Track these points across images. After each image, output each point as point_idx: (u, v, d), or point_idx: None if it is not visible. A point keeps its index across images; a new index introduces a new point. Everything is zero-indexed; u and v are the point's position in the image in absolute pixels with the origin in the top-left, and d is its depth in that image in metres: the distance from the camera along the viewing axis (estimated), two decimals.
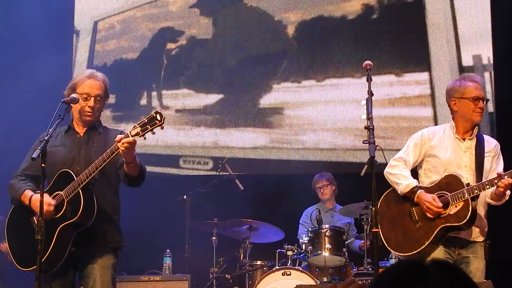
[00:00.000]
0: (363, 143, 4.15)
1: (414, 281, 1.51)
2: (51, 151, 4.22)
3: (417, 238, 4.38)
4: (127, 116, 7.95)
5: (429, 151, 4.54)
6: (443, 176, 4.42)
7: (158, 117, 4.01)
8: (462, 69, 7.22)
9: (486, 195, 4.39)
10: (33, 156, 3.93)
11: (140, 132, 4.00)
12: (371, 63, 4.37)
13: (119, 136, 4.03)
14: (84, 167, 4.17)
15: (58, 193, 4.15)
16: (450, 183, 4.36)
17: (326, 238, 6.02)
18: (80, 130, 4.38)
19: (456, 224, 4.28)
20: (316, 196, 7.11)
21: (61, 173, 4.19)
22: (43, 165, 3.95)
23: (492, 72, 7.19)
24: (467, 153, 4.47)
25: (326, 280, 6.02)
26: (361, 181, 5.54)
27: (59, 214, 4.12)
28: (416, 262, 1.54)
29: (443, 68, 7.26)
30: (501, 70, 7.20)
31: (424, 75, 7.35)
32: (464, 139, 4.49)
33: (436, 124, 6.95)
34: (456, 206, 4.29)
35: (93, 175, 4.07)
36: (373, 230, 4.02)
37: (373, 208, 4.00)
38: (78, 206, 4.06)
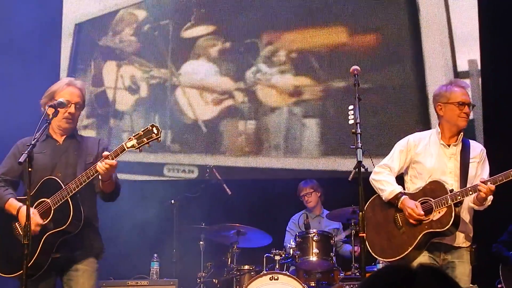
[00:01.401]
0: (350, 148, 4.17)
1: (401, 285, 1.52)
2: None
3: (401, 243, 4.40)
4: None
5: (415, 158, 4.56)
6: (427, 182, 4.44)
7: (155, 131, 4.01)
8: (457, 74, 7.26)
9: (470, 200, 4.41)
10: (19, 160, 3.91)
11: (136, 145, 4.00)
12: (359, 68, 4.39)
13: (106, 153, 4.03)
14: (65, 174, 4.19)
15: (44, 201, 4.13)
16: (434, 189, 4.38)
17: (314, 243, 6.02)
18: (59, 138, 4.37)
19: (439, 230, 4.30)
20: (301, 201, 7.11)
21: (46, 180, 4.17)
22: (30, 169, 3.93)
23: (480, 77, 7.24)
24: (452, 159, 4.49)
25: (313, 284, 6.03)
26: (348, 186, 5.55)
27: (46, 221, 4.10)
28: (403, 266, 1.55)
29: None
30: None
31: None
32: (449, 145, 4.50)
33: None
34: (439, 212, 4.31)
35: (83, 184, 4.06)
36: (360, 234, 4.04)
37: (361, 213, 4.01)
38: (67, 215, 4.05)
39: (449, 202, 4.27)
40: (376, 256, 4.61)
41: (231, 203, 6.93)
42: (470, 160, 4.47)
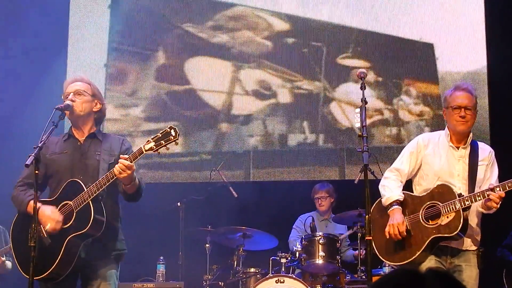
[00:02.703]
0: (357, 151, 4.17)
1: None
2: (52, 159, 4.24)
3: (408, 247, 4.37)
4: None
5: (424, 159, 4.54)
6: (435, 186, 4.41)
7: (173, 133, 3.96)
8: None
9: (478, 204, 4.37)
10: (26, 163, 3.93)
11: (154, 147, 3.96)
12: (365, 71, 4.39)
13: (124, 156, 4.02)
14: (86, 175, 4.19)
15: (67, 203, 4.13)
16: (442, 193, 4.34)
17: (320, 246, 6.01)
18: (80, 137, 4.36)
19: (448, 235, 4.27)
20: (311, 204, 7.10)
21: (69, 182, 4.17)
22: (36, 172, 3.95)
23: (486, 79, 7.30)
24: (461, 162, 4.45)
25: (319, 287, 6.02)
26: (355, 189, 5.55)
27: (68, 224, 4.10)
28: (412, 271, 1.55)
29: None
30: (496, 76, 7.25)
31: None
32: (458, 148, 4.47)
33: None
34: (447, 217, 4.27)
35: (103, 187, 4.05)
36: (366, 238, 4.03)
37: (367, 216, 4.01)
38: (88, 217, 4.04)
39: (458, 206, 4.24)
40: (382, 259, 4.58)
41: (237, 206, 6.93)
42: (479, 163, 4.43)
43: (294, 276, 5.91)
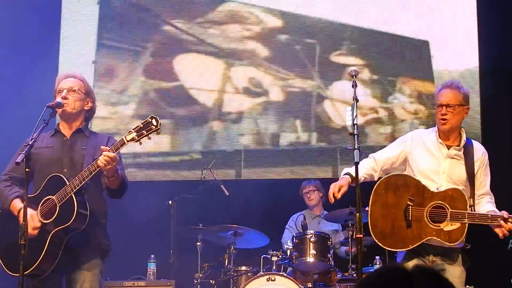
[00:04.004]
0: (348, 148, 4.17)
1: (398, 287, 1.52)
2: (37, 152, 4.23)
3: (404, 238, 4.26)
4: None
5: (410, 155, 4.48)
6: (448, 188, 4.28)
7: (154, 122, 3.97)
8: None
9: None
10: (17, 160, 3.92)
11: (136, 137, 3.97)
12: (357, 69, 4.38)
13: (104, 147, 4.01)
14: (71, 170, 4.18)
15: (50, 198, 4.12)
16: (455, 198, 4.24)
17: (311, 244, 6.01)
18: (67, 132, 4.36)
19: (445, 242, 4.20)
20: (302, 202, 7.11)
21: (52, 177, 4.16)
22: (27, 170, 3.94)
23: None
24: (448, 160, 4.38)
25: (310, 286, 6.03)
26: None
27: (51, 219, 4.10)
28: (400, 268, 1.55)
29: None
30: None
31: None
32: (449, 146, 4.40)
33: None
34: (451, 224, 4.19)
35: (86, 180, 4.04)
36: (356, 236, 4.02)
37: (357, 214, 4.00)
38: (72, 211, 4.03)
39: (465, 220, 4.16)
40: (374, 238, 4.37)
41: (229, 204, 6.92)
42: (475, 164, 4.36)
43: (285, 274, 5.91)
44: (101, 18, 8.05)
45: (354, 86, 4.28)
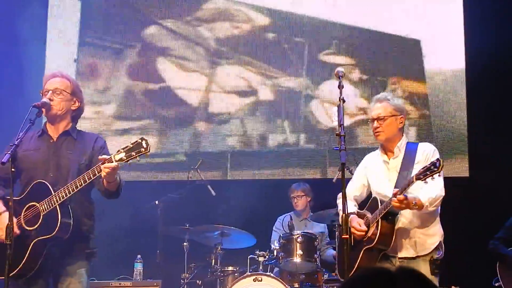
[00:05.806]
0: (334, 149, 4.17)
1: None
2: (24, 155, 4.18)
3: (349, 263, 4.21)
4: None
5: (368, 179, 4.63)
6: (372, 198, 4.48)
7: (144, 144, 3.91)
8: None
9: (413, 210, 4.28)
10: (2, 160, 3.89)
11: (125, 158, 3.92)
12: (343, 69, 4.40)
13: (103, 157, 3.97)
14: (58, 174, 4.15)
15: (34, 205, 4.09)
16: (372, 206, 4.43)
17: (298, 244, 6.02)
18: (54, 134, 4.32)
19: (370, 245, 4.33)
20: (289, 203, 7.11)
21: (37, 183, 4.12)
22: (12, 170, 3.90)
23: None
24: (394, 172, 4.45)
25: (297, 286, 6.03)
26: (333, 188, 5.56)
27: (34, 227, 4.06)
28: (384, 270, 1.56)
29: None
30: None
31: None
32: (389, 159, 4.50)
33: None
34: (372, 227, 4.35)
35: (72, 193, 4.01)
36: (343, 236, 4.02)
37: (343, 214, 4.00)
38: (55, 222, 4.00)
39: (378, 217, 4.31)
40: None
41: (216, 204, 6.91)
42: (414, 166, 4.36)
43: (272, 275, 5.92)
44: (83, 15, 7.95)
45: (341, 87, 4.30)
